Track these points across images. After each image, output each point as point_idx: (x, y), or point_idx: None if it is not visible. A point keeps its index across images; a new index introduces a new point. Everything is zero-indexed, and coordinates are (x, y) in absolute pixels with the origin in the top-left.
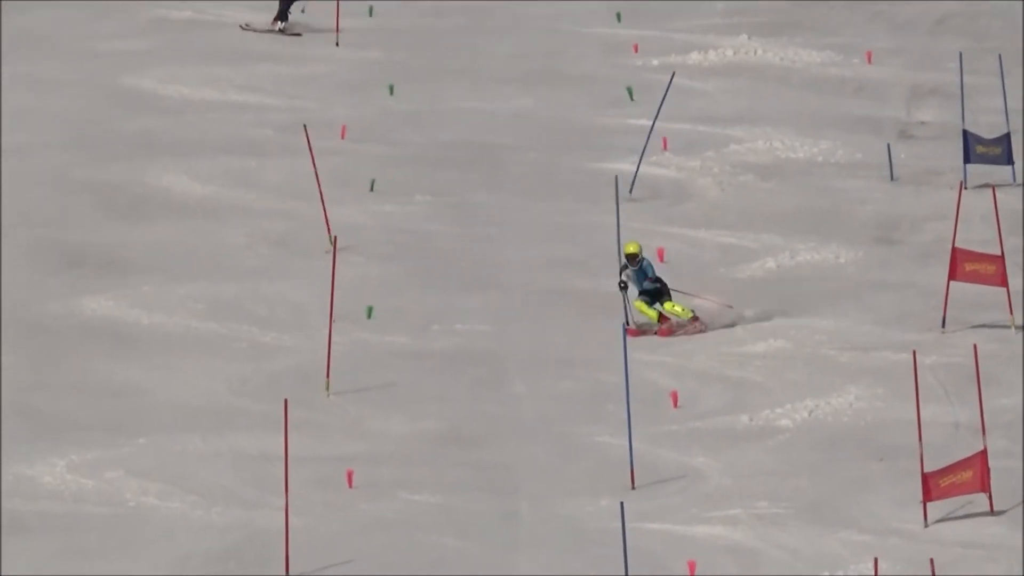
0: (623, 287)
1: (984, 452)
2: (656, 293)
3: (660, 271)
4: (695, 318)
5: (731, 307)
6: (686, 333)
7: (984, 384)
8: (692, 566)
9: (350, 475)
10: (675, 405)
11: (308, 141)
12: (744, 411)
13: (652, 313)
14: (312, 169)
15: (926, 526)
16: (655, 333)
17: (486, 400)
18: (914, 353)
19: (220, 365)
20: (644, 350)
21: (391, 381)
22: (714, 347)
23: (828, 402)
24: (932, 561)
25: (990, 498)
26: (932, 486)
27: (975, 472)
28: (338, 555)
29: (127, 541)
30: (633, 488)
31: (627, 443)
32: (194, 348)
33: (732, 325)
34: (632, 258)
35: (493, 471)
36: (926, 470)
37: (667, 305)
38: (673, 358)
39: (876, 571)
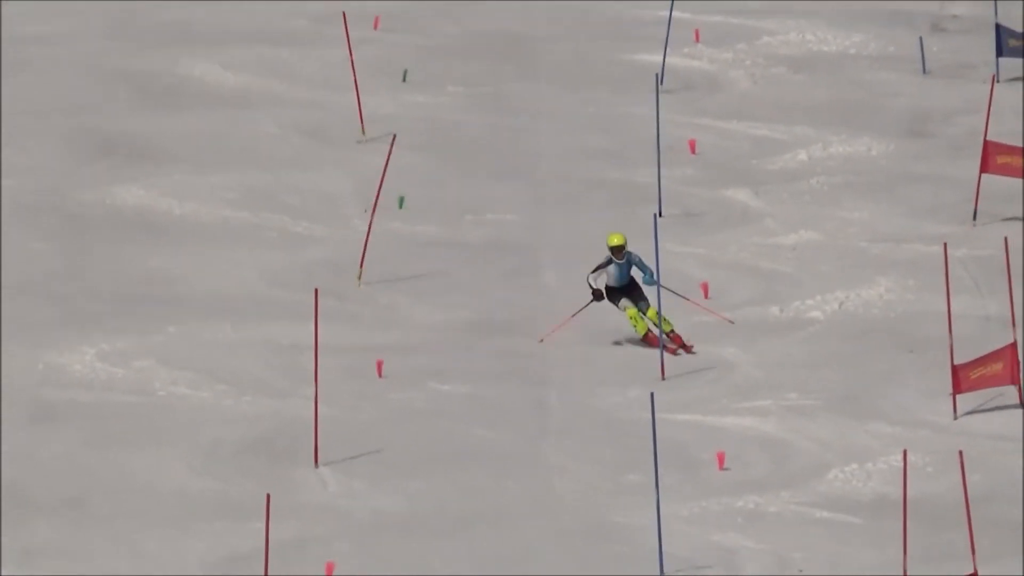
0: (597, 296)
1: (1014, 344)
2: (636, 296)
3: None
4: (678, 338)
5: (732, 322)
6: (668, 351)
7: (1015, 277)
8: (721, 457)
9: (379, 365)
10: (706, 296)
11: (346, 29)
12: (775, 303)
13: (642, 326)
14: (348, 59)
15: (955, 418)
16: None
17: (517, 290)
18: (945, 245)
19: (252, 254)
20: (676, 241)
21: (422, 271)
22: (745, 238)
23: (858, 294)
24: (961, 453)
25: (1020, 390)
26: (962, 378)
27: (1005, 364)
28: (367, 444)
29: (157, 430)
30: (663, 379)
31: (657, 332)
32: (226, 237)
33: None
34: (618, 251)
35: (523, 361)
36: (956, 362)
37: (650, 312)
38: (705, 249)
39: (905, 463)
